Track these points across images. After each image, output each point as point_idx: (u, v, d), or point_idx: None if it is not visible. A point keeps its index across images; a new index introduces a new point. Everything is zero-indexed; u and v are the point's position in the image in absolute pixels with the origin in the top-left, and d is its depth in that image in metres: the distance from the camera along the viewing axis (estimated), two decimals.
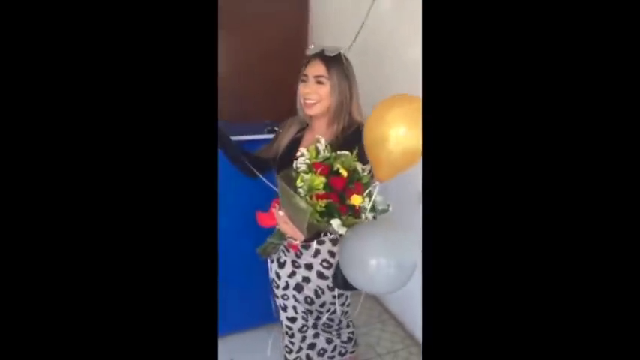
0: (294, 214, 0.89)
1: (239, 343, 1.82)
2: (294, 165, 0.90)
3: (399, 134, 0.81)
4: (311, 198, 0.83)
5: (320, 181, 0.83)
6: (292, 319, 1.25)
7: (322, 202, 0.82)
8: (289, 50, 2.52)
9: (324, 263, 1.14)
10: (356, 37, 1.78)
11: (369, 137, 0.86)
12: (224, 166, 1.07)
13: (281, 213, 0.98)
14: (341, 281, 1.03)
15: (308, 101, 1.06)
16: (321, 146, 0.90)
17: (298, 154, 0.91)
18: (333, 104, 1.06)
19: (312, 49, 1.08)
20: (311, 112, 1.07)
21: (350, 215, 0.85)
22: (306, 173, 0.86)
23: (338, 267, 0.97)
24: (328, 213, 0.83)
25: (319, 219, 0.83)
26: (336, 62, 1.06)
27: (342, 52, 1.08)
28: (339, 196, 0.85)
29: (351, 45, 1.70)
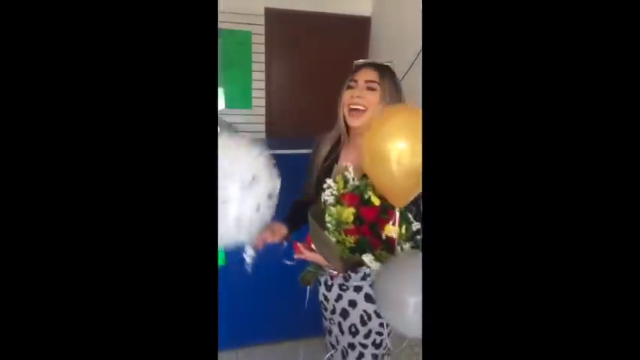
0: (325, 251, 0.84)
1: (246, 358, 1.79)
2: (321, 197, 0.84)
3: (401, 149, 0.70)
4: (340, 233, 0.78)
5: (349, 212, 0.78)
6: (333, 346, 1.18)
7: (351, 238, 0.77)
8: (347, 70, 2.58)
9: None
10: (409, 68, 1.78)
11: (368, 156, 0.77)
12: None
13: (306, 252, 0.92)
14: None
15: (355, 107, 0.95)
16: (350, 174, 0.84)
17: (325, 185, 0.84)
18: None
19: (361, 61, 1.02)
20: (356, 122, 0.95)
21: (383, 249, 0.79)
22: (334, 206, 0.80)
23: None
24: (360, 249, 0.78)
25: (349, 255, 0.78)
26: (388, 71, 0.97)
27: (394, 63, 1.02)
28: (370, 228, 0.79)
29: (404, 76, 1.69)
